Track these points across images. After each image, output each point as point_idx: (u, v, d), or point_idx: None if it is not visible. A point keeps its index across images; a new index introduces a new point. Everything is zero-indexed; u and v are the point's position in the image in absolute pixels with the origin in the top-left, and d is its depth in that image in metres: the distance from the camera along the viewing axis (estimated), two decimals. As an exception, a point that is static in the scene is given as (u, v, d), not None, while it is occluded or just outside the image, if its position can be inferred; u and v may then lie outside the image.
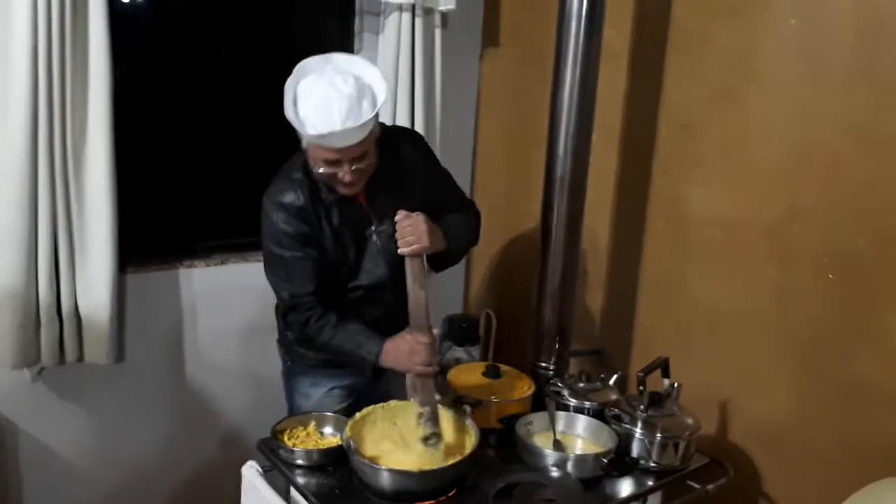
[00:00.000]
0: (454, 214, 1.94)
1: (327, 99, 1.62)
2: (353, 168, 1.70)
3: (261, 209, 1.82)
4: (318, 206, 1.80)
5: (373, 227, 1.88)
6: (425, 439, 1.72)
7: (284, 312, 1.86)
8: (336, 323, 1.80)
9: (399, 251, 1.74)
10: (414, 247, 1.72)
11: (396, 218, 1.76)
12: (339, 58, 1.74)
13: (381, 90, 1.70)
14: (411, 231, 1.73)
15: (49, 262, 2.08)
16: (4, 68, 1.95)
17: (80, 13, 2.03)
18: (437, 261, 1.96)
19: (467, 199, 2.10)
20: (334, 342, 1.80)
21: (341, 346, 1.80)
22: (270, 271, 1.84)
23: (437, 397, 1.78)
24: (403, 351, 1.73)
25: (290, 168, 1.83)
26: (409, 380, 1.75)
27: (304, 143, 1.73)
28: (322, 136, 1.63)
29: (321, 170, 1.71)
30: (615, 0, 2.17)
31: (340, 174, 1.71)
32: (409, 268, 1.74)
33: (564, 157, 2.15)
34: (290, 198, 1.78)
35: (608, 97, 2.37)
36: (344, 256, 1.85)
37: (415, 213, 1.76)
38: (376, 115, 1.70)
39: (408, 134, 2.09)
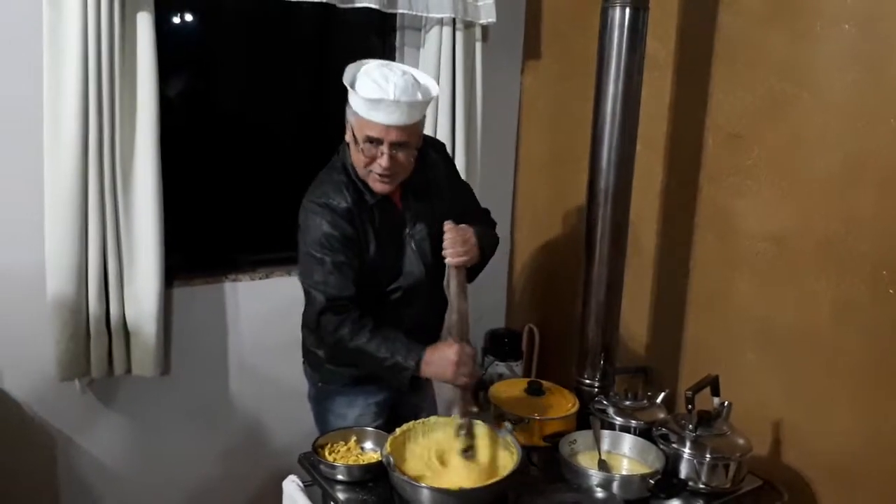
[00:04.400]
0: (482, 226, 1.95)
1: (385, 76, 1.70)
2: (391, 153, 1.72)
3: (300, 214, 1.82)
4: (363, 207, 1.81)
5: (408, 230, 1.89)
6: (464, 451, 1.70)
7: (319, 314, 1.78)
8: (373, 328, 1.76)
9: (447, 261, 1.77)
10: (463, 258, 1.76)
11: (446, 227, 1.78)
12: (397, 63, 1.87)
13: (434, 88, 1.79)
14: (462, 242, 1.77)
15: (98, 276, 2.13)
16: (57, 89, 2.01)
17: (129, 35, 2.09)
18: (469, 272, 1.94)
19: (487, 214, 2.09)
20: (370, 346, 1.74)
21: (377, 351, 1.74)
22: (307, 275, 1.80)
23: (475, 409, 1.77)
24: (450, 361, 1.69)
25: (329, 172, 1.85)
26: (450, 391, 1.74)
27: (352, 119, 1.74)
28: (374, 103, 1.67)
29: (362, 145, 1.73)
30: (659, 10, 2.15)
31: (379, 159, 1.73)
32: (454, 278, 1.76)
33: (608, 170, 2.11)
34: (336, 199, 1.78)
35: (653, 108, 2.33)
36: (384, 258, 1.85)
37: (463, 225, 1.80)
38: (425, 107, 1.77)
39: (432, 141, 2.11)
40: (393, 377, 1.76)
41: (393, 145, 1.72)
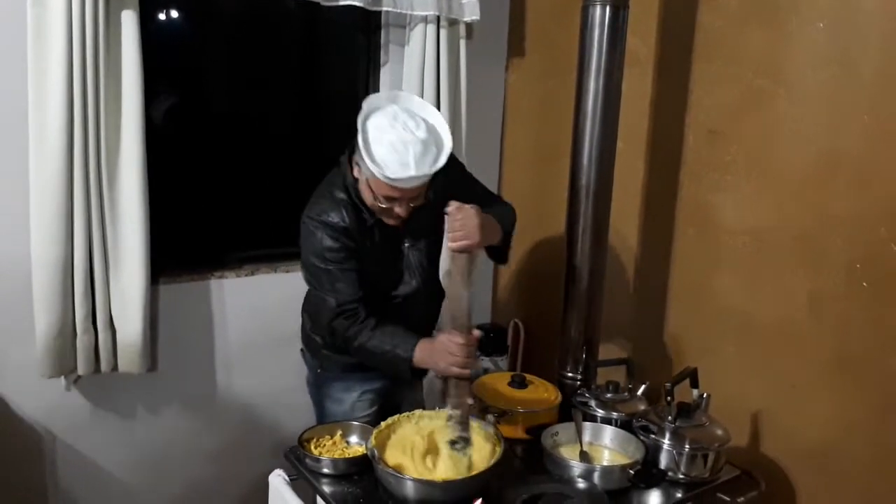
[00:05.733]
0: (497, 206, 1.96)
1: (403, 142, 1.67)
2: (409, 205, 1.78)
3: (301, 228, 1.85)
4: (362, 226, 1.84)
5: (407, 244, 1.93)
6: (452, 443, 1.69)
7: (331, 321, 1.84)
8: (374, 325, 1.80)
9: (448, 245, 1.69)
10: (462, 242, 1.66)
11: (448, 210, 1.69)
12: (404, 96, 1.81)
13: (448, 138, 1.78)
14: (461, 226, 1.67)
15: (84, 272, 2.13)
16: (42, 87, 2.00)
17: (114, 33, 2.09)
18: (496, 252, 1.97)
19: (497, 196, 2.10)
20: (372, 343, 1.79)
21: (379, 346, 1.79)
22: (316, 285, 1.86)
23: (471, 402, 1.76)
24: (438, 351, 1.70)
25: (330, 187, 1.87)
26: (441, 383, 1.75)
27: (368, 175, 1.74)
28: (396, 179, 1.68)
29: (381, 205, 1.77)
30: (639, 8, 2.17)
31: (396, 209, 1.78)
32: (455, 264, 1.69)
33: (589, 166, 2.14)
34: (335, 218, 1.81)
35: (634, 105, 2.36)
36: (382, 271, 1.90)
37: (468, 206, 1.70)
38: None
39: None
40: (394, 369, 1.81)
41: (410, 199, 1.77)
